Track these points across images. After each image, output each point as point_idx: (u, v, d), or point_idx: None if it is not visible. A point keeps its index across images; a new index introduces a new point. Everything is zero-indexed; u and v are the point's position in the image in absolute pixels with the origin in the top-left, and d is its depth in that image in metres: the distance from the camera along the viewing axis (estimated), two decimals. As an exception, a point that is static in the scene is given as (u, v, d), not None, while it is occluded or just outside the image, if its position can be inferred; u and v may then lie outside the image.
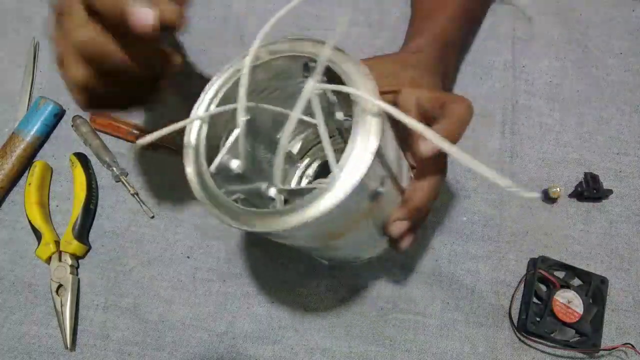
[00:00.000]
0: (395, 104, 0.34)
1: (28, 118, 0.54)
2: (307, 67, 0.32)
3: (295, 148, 0.44)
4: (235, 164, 0.33)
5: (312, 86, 0.28)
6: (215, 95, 0.31)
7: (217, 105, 0.31)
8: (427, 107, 0.34)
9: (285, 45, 0.31)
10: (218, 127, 0.32)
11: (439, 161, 0.36)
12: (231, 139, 0.32)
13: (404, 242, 0.37)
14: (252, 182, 0.36)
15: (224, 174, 0.32)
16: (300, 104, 0.29)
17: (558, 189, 0.50)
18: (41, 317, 0.50)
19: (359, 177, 0.25)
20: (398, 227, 0.36)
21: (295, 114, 0.29)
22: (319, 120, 0.29)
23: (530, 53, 0.58)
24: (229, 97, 0.31)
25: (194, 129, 0.30)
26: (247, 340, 0.48)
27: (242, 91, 0.30)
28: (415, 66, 0.42)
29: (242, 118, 0.30)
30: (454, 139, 0.32)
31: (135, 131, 0.54)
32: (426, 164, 0.34)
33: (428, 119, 0.34)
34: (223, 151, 0.31)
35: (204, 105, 0.31)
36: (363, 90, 0.27)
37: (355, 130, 0.26)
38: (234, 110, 0.31)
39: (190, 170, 0.30)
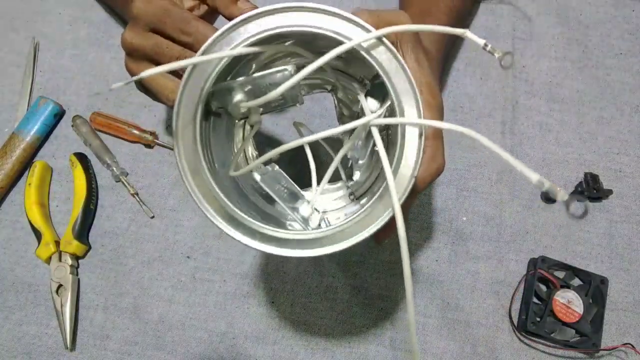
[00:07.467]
0: None
1: (28, 118, 0.54)
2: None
3: None
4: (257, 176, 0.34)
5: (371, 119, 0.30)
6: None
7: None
8: None
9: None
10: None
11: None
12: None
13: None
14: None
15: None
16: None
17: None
18: (41, 317, 0.50)
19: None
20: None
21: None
22: (382, 152, 0.29)
23: (530, 53, 0.58)
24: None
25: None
26: (247, 340, 0.48)
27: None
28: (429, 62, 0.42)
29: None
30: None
31: (135, 131, 0.54)
32: None
33: None
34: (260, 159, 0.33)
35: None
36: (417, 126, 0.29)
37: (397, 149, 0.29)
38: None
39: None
